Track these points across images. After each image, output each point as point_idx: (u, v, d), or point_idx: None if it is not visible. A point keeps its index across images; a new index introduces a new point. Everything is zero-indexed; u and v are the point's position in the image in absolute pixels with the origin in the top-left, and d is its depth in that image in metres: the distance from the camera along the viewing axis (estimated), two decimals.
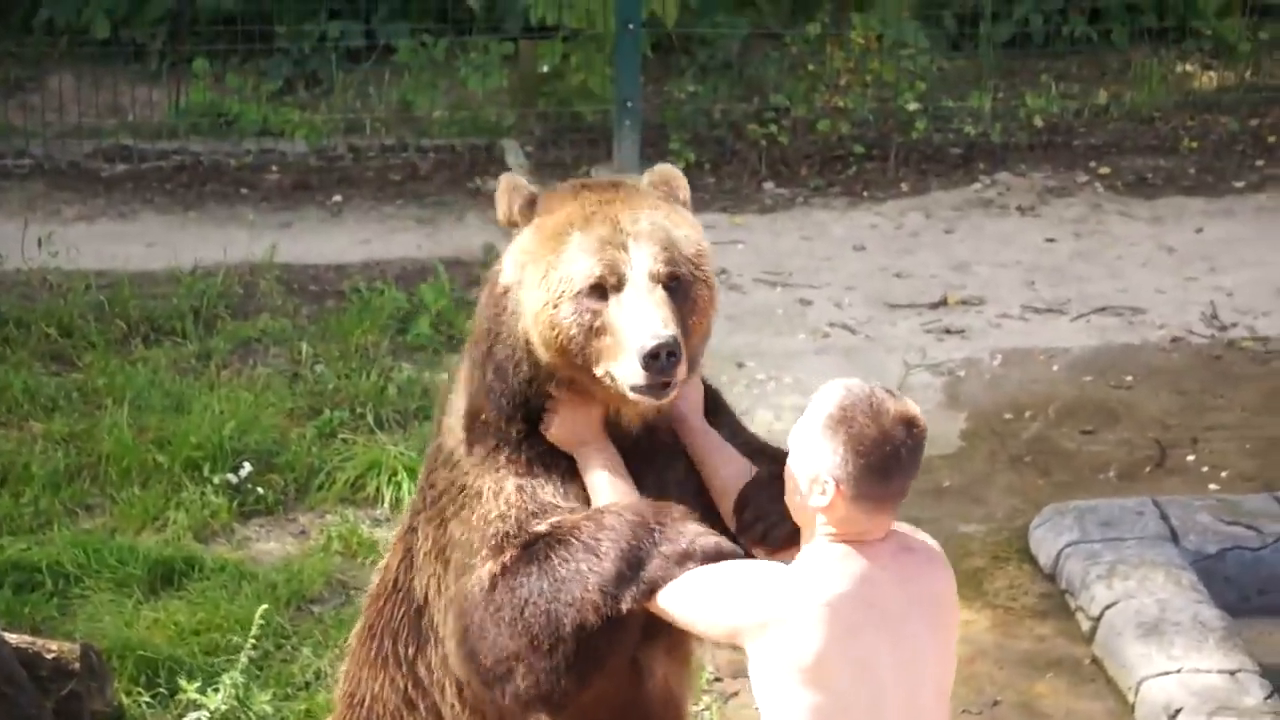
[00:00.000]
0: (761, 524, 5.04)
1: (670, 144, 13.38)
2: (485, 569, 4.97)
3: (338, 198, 13.04)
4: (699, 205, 13.48)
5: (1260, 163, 13.67)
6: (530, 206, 5.05)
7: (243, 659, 7.35)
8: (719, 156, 13.55)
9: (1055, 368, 10.70)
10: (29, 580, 8.41)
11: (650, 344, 4.79)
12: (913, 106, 13.53)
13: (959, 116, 13.78)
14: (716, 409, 5.33)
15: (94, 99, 13.77)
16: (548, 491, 5.03)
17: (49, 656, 7.06)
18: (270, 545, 8.92)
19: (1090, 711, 7.80)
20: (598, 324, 4.87)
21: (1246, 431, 9.97)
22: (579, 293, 4.88)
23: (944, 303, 11.51)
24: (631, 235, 4.93)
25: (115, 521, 8.96)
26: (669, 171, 5.26)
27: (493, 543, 4.99)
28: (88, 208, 12.78)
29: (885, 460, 4.71)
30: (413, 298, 11.00)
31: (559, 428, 5.04)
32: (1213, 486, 9.42)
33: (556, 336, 4.90)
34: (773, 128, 13.43)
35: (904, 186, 13.28)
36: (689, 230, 5.07)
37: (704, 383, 5.34)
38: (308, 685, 7.69)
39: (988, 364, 10.76)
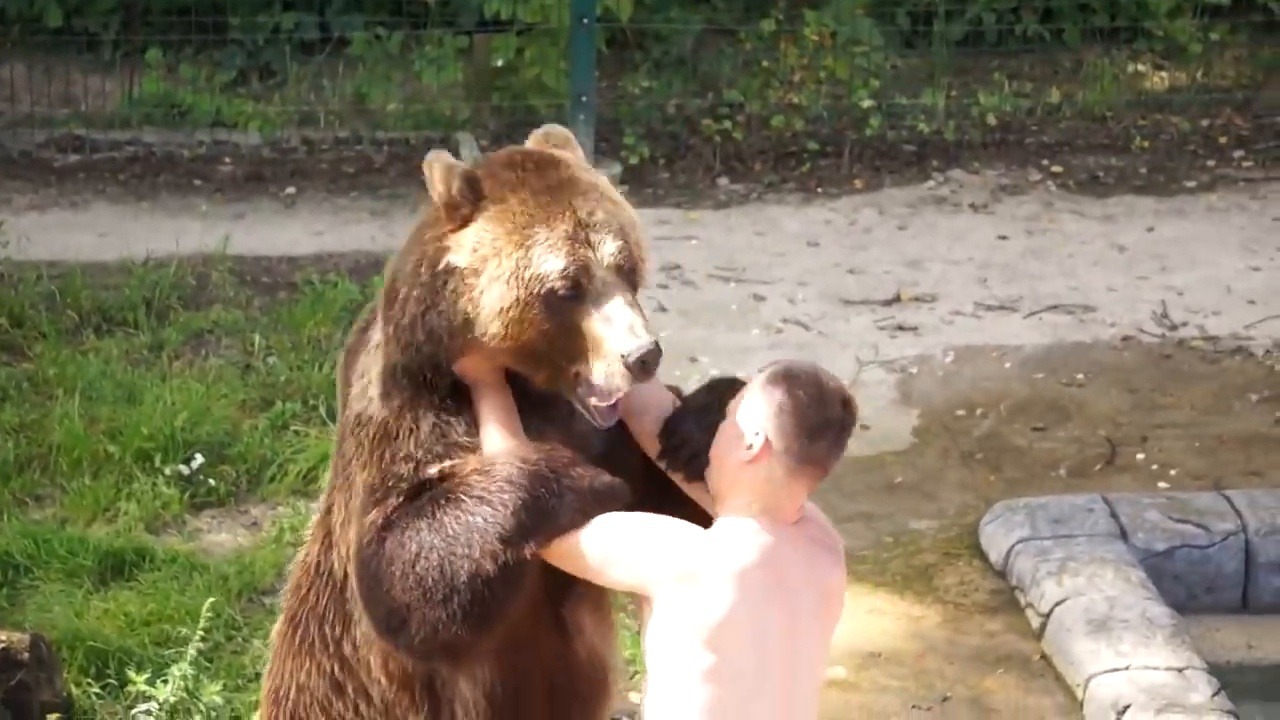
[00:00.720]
0: (686, 449, 5.06)
1: (624, 139, 13.39)
2: (370, 517, 4.99)
3: (291, 189, 13.01)
4: (653, 200, 13.51)
5: (1211, 163, 13.75)
6: (472, 188, 4.99)
7: (192, 650, 7.33)
8: (673, 152, 13.56)
9: (1007, 365, 10.74)
10: None
11: (637, 352, 4.84)
12: (866, 103, 13.57)
13: (912, 114, 13.83)
14: None
15: (46, 88, 13.71)
16: (459, 431, 5.04)
17: None
18: (222, 537, 8.89)
19: (1039, 707, 7.83)
20: (570, 326, 4.90)
21: (1196, 430, 10.02)
22: (550, 292, 4.89)
23: (897, 299, 11.55)
24: (592, 228, 4.94)
25: (66, 512, 8.93)
26: (562, 133, 5.24)
27: (389, 483, 5.01)
28: (39, 197, 12.73)
29: (817, 422, 4.80)
30: (366, 290, 10.98)
31: (465, 364, 5.06)
32: (1162, 484, 9.46)
33: (524, 333, 4.91)
34: (727, 124, 13.45)
35: (858, 183, 13.31)
36: (626, 206, 5.11)
37: None
38: (258, 676, 7.62)
39: (940, 361, 10.79)
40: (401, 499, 4.98)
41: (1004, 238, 12.50)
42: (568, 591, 5.12)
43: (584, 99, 13.07)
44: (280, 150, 13.49)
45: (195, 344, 10.58)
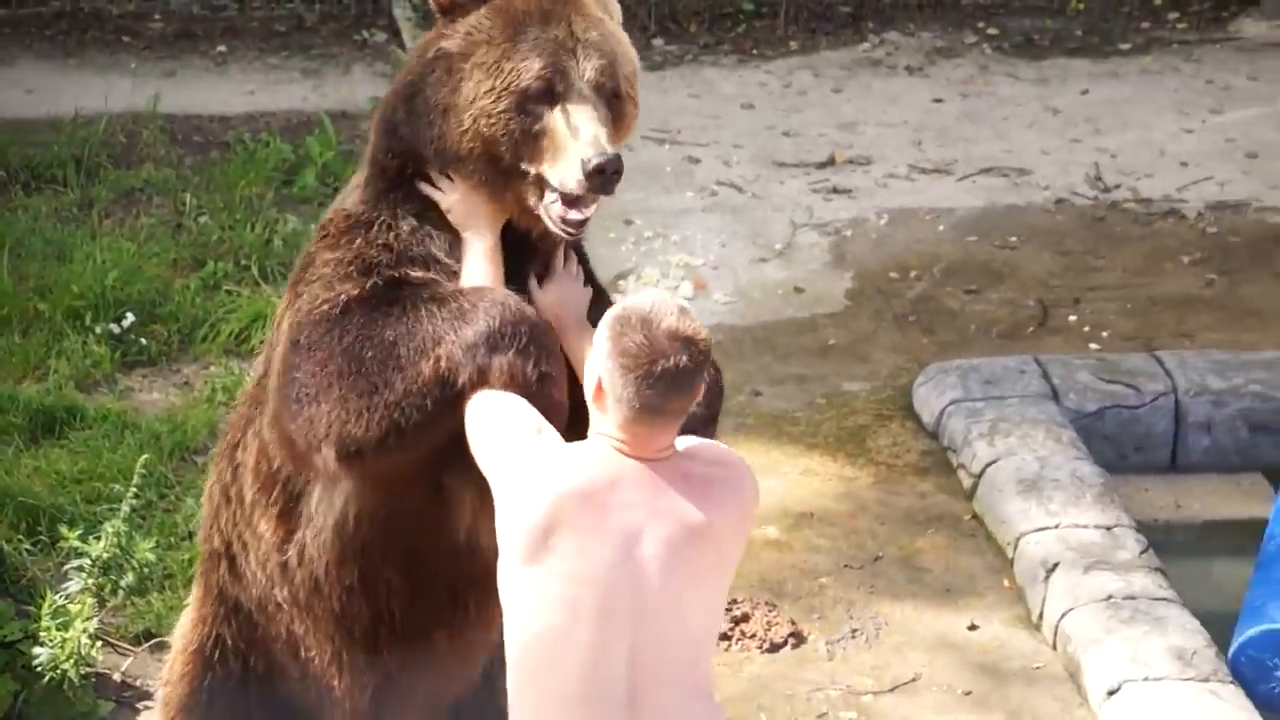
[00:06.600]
0: None
1: None
2: (343, 290, 4.89)
3: (222, 48, 12.87)
4: None
5: (1146, 25, 13.75)
6: None
7: (124, 507, 7.27)
8: None
9: (940, 228, 10.75)
10: None
11: (597, 159, 4.78)
12: None
13: None
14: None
15: None
16: (437, 245, 4.99)
17: None
18: (153, 396, 8.86)
19: (970, 566, 7.90)
20: (537, 127, 4.85)
21: (1127, 292, 10.06)
22: (525, 90, 4.85)
23: (831, 162, 11.53)
24: (583, 43, 4.93)
25: None
26: None
27: (363, 265, 4.92)
28: None
29: (644, 371, 4.55)
30: (298, 150, 10.90)
31: (456, 202, 4.99)
32: (1093, 346, 9.51)
33: (491, 127, 4.86)
34: None
35: (793, 45, 13.25)
36: (629, 49, 5.10)
37: (595, 284, 5.22)
38: (190, 535, 7.65)
39: (874, 223, 10.79)
40: (371, 285, 4.88)
41: (939, 100, 12.48)
42: (454, 463, 4.89)
43: None
44: (211, 8, 13.34)
45: (126, 202, 10.49)
